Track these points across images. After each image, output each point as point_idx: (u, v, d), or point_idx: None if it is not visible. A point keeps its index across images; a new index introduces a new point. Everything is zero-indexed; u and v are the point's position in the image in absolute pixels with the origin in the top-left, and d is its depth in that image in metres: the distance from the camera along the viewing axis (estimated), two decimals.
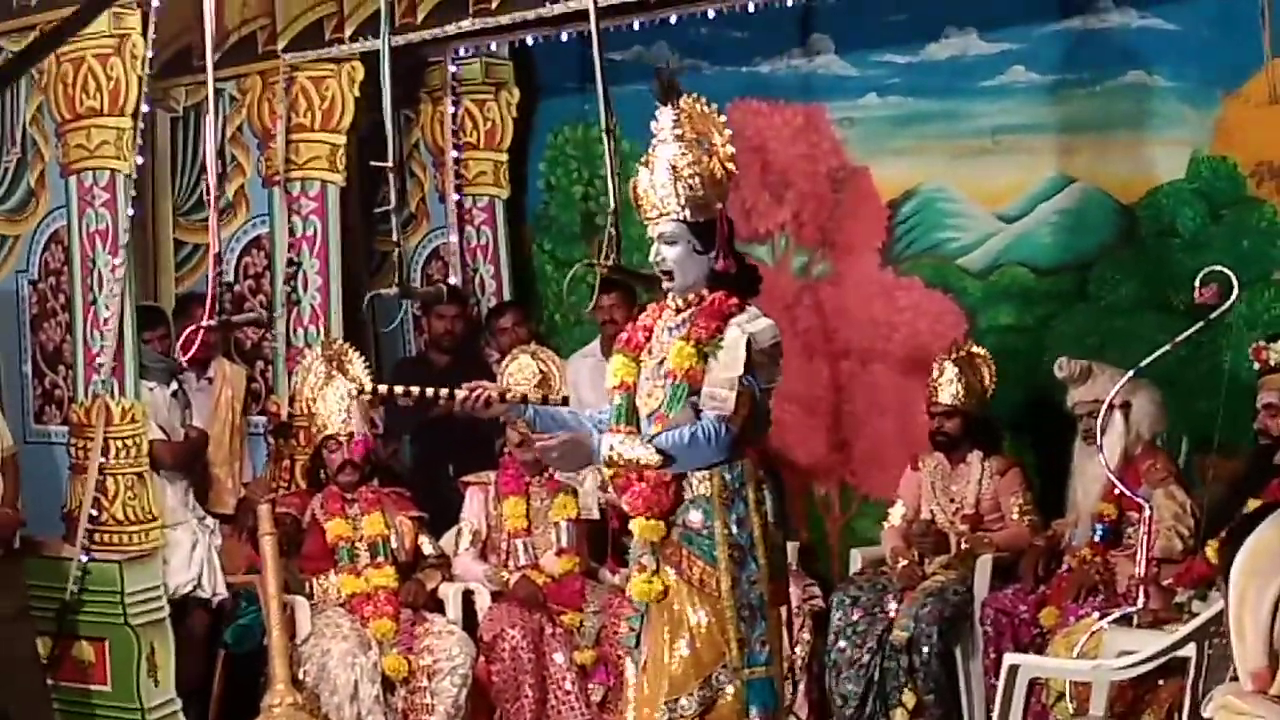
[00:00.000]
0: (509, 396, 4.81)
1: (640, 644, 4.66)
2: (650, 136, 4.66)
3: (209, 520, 7.22)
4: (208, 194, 6.75)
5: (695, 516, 4.57)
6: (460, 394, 4.67)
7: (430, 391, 4.68)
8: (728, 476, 4.56)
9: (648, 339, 4.75)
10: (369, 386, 5.21)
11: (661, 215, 4.61)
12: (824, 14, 7.85)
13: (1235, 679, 3.06)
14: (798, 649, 6.84)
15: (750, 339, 4.50)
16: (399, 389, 4.77)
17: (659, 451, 4.48)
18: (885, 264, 7.90)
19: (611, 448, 4.53)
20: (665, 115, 4.61)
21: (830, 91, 7.99)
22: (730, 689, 4.54)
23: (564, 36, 7.98)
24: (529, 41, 8.28)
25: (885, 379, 7.90)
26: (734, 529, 4.55)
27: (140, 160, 6.79)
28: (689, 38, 8.07)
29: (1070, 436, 6.88)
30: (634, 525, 4.63)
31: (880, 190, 7.90)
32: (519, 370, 6.99)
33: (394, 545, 6.92)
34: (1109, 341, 7.18)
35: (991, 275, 7.63)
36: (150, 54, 6.67)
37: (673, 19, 7.82)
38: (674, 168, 4.55)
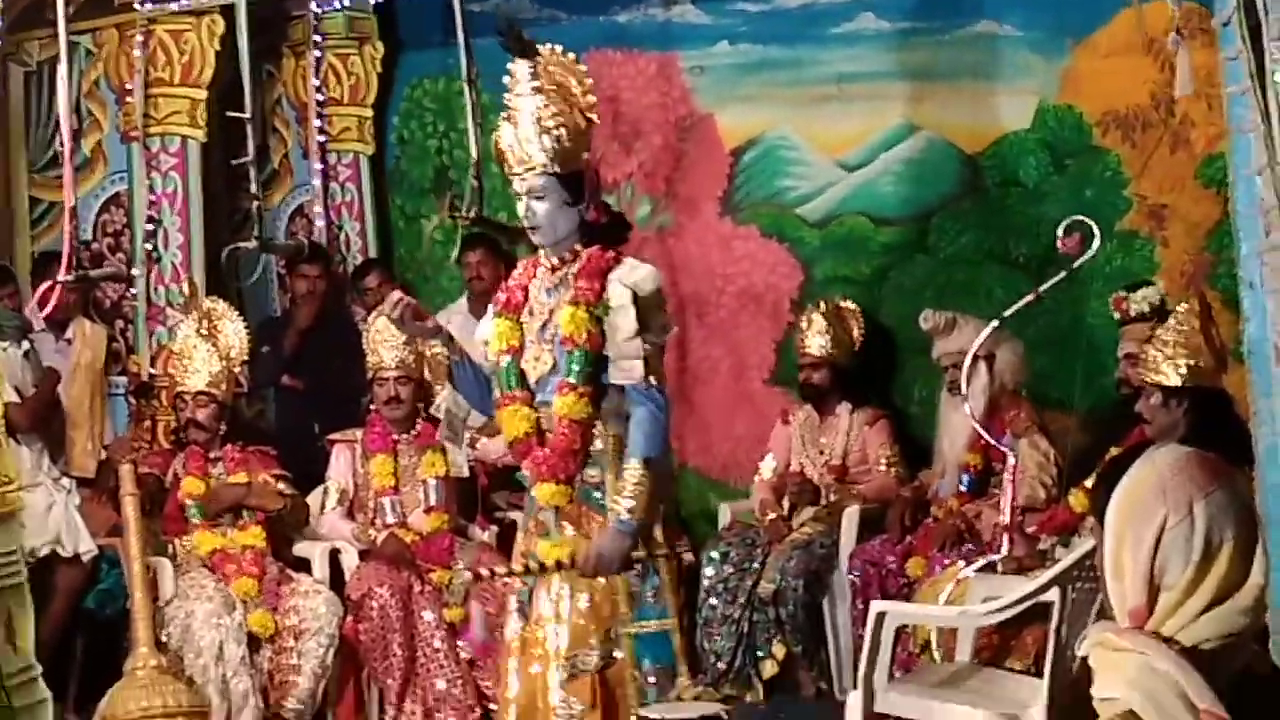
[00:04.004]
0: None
1: (532, 601, 4.61)
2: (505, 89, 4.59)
3: (65, 481, 7.06)
4: (63, 149, 6.61)
5: (593, 472, 4.54)
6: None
7: None
8: (620, 432, 4.52)
9: (525, 299, 4.69)
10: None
11: (529, 170, 4.54)
12: None
13: (1100, 620, 3.10)
14: None
15: (634, 292, 4.48)
16: None
17: (645, 462, 4.43)
18: (724, 213, 7.85)
19: (629, 500, 4.45)
20: (521, 68, 4.50)
21: (685, 40, 7.92)
22: (624, 642, 4.52)
23: None
24: None
25: (719, 332, 7.85)
26: None
27: None
28: None
29: (891, 390, 6.94)
30: (536, 490, 4.57)
31: (724, 138, 7.85)
32: (385, 329, 6.89)
33: None
34: (948, 293, 7.21)
35: (830, 225, 7.62)
36: (1, 5, 6.51)
37: None
38: (539, 120, 4.46)
